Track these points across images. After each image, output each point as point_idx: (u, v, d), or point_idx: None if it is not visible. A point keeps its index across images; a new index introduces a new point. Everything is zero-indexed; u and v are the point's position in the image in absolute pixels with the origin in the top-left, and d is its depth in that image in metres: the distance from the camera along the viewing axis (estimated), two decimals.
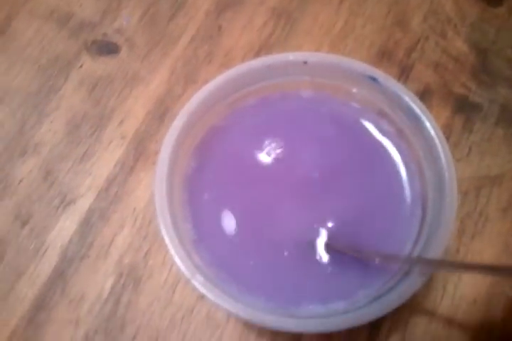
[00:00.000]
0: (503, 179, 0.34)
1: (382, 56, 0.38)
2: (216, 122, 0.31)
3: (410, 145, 0.31)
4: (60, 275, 0.32)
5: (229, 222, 0.30)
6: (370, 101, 0.32)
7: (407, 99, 0.30)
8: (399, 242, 0.30)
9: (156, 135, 0.35)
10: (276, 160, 0.31)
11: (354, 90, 0.31)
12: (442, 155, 0.29)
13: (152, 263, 0.32)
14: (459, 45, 0.38)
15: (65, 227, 0.33)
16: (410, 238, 0.30)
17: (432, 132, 0.29)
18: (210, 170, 0.30)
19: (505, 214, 0.34)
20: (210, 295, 0.26)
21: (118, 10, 0.39)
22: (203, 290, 0.26)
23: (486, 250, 0.33)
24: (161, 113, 0.36)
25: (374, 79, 0.30)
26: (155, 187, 0.27)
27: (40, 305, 0.32)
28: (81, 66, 0.37)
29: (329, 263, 0.29)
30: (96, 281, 0.32)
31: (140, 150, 0.35)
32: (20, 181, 0.34)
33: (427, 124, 0.29)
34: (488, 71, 0.37)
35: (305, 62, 0.31)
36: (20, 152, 0.35)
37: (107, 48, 0.38)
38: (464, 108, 0.36)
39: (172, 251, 0.27)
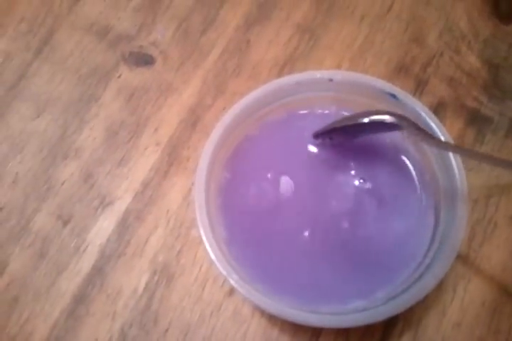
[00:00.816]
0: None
1: (400, 70, 0.38)
2: (248, 133, 0.33)
3: (425, 157, 0.33)
4: (98, 272, 0.34)
5: (257, 226, 0.31)
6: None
7: (423, 114, 0.31)
8: (413, 248, 0.31)
9: (189, 142, 0.37)
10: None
11: (375, 105, 0.33)
12: (455, 166, 0.30)
13: (184, 262, 0.34)
14: (472, 60, 0.39)
15: (104, 227, 0.35)
16: (424, 244, 0.31)
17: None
18: (242, 179, 0.32)
19: None
20: (244, 292, 0.28)
21: (153, 24, 0.40)
22: (239, 288, 0.28)
23: (494, 255, 0.34)
24: (192, 121, 0.37)
25: (394, 96, 0.32)
26: (195, 194, 0.29)
27: (80, 299, 0.33)
28: (119, 76, 0.39)
29: (349, 265, 0.31)
30: (132, 278, 0.34)
31: (173, 156, 0.36)
32: (63, 183, 0.36)
33: (442, 138, 0.30)
34: (499, 86, 0.38)
35: (330, 80, 0.32)
36: (63, 156, 0.36)
37: (143, 60, 0.39)
38: (475, 120, 0.37)
39: (211, 255, 0.28)
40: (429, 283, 0.28)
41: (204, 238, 0.28)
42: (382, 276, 0.30)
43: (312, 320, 0.28)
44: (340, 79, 0.32)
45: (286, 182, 0.32)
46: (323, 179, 0.33)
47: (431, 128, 0.31)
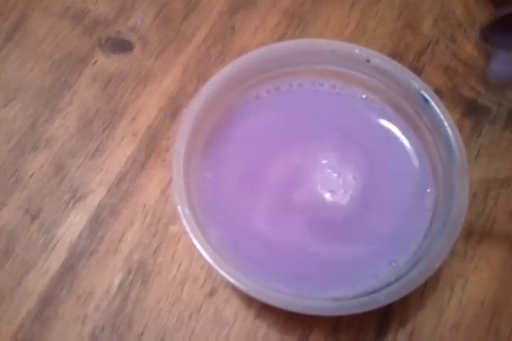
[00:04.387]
0: (511, 182, 0.33)
1: (393, 59, 0.36)
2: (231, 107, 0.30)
3: (427, 146, 0.30)
4: (68, 271, 0.31)
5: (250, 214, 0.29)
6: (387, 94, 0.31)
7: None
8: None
9: (168, 132, 0.34)
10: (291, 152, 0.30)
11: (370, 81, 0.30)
12: (457, 157, 0.28)
13: (161, 260, 0.31)
14: (469, 49, 0.37)
15: (75, 222, 0.32)
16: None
17: (450, 133, 0.28)
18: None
19: None
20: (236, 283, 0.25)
21: (132, 8, 0.37)
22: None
23: (493, 252, 0.32)
24: (173, 110, 0.35)
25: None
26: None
27: (48, 301, 0.30)
28: (94, 63, 0.36)
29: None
30: (104, 277, 0.31)
31: (151, 147, 0.34)
32: (31, 175, 0.33)
33: (446, 124, 0.28)
34: None
35: (368, 60, 0.30)
36: (32, 146, 0.34)
37: (121, 46, 0.36)
38: (473, 111, 0.35)
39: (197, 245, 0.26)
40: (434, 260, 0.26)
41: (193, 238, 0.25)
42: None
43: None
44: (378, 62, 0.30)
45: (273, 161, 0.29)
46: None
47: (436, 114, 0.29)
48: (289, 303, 0.26)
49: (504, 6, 0.37)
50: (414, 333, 0.30)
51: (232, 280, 0.25)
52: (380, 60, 0.30)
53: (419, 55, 0.36)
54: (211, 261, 0.25)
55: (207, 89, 0.29)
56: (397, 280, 0.26)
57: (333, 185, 0.30)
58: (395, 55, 0.36)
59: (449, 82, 0.36)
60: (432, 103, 0.29)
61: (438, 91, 0.35)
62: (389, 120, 0.31)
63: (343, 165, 0.30)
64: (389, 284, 0.26)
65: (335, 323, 0.30)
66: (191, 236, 0.25)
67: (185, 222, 0.26)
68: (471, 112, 0.35)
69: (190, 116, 0.28)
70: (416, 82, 0.29)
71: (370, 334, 0.30)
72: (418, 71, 0.36)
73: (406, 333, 0.30)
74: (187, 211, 0.26)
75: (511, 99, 0.35)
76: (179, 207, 0.26)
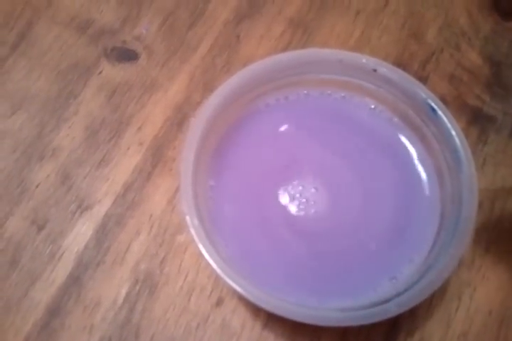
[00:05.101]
0: None
1: (398, 67, 0.36)
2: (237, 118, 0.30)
3: (434, 156, 0.30)
4: (75, 281, 0.30)
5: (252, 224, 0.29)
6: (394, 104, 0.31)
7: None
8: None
9: (174, 141, 0.33)
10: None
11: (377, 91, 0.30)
12: (466, 166, 0.27)
13: (168, 271, 0.31)
14: (473, 57, 0.36)
15: (82, 233, 0.32)
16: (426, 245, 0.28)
17: (458, 143, 0.27)
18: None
19: None
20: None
21: (138, 18, 0.37)
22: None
23: (501, 261, 0.31)
24: (179, 120, 0.34)
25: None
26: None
27: (54, 311, 0.30)
28: (100, 72, 0.36)
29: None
30: (111, 287, 0.30)
31: (158, 157, 0.33)
32: (38, 186, 0.33)
33: (453, 133, 0.28)
34: (501, 83, 0.36)
35: (375, 70, 0.29)
36: (39, 156, 0.33)
37: (126, 55, 0.36)
38: (478, 120, 0.35)
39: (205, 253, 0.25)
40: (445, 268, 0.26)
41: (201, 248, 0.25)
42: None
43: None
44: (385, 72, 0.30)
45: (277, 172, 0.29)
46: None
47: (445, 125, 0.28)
48: (295, 313, 0.25)
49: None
50: None
51: (239, 289, 0.25)
52: (386, 69, 0.29)
53: (424, 63, 0.36)
54: (220, 271, 0.25)
55: (215, 99, 0.28)
56: (406, 290, 0.26)
57: (338, 196, 0.29)
58: (400, 64, 0.36)
59: (454, 90, 0.35)
60: (440, 112, 0.28)
61: (443, 100, 0.34)
62: (397, 130, 0.31)
63: (351, 174, 0.30)
64: (398, 294, 0.26)
65: (342, 333, 0.30)
66: (200, 246, 0.25)
67: (193, 232, 0.25)
68: (476, 121, 0.34)
69: (199, 124, 0.28)
70: (423, 92, 0.29)
71: None
72: (423, 80, 0.35)
73: None
74: (195, 221, 0.26)
75: None
76: (188, 217, 0.25)
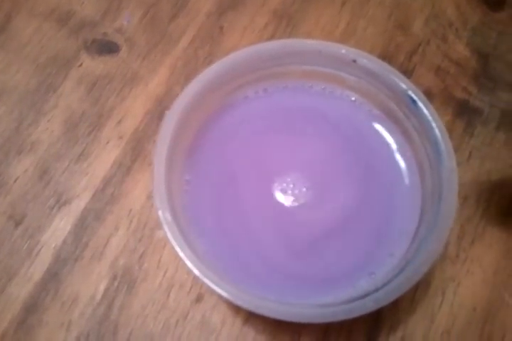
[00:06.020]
0: (504, 184, 0.32)
1: (383, 59, 0.34)
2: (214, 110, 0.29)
3: (415, 148, 0.29)
4: (53, 277, 0.30)
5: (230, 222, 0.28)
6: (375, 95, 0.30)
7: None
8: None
9: (154, 135, 0.33)
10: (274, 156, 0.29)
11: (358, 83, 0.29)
12: (446, 159, 0.26)
13: (147, 266, 0.30)
14: (461, 49, 0.36)
15: (60, 228, 0.31)
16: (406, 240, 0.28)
17: (438, 135, 0.26)
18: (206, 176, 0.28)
19: (505, 220, 0.31)
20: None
21: (119, 9, 0.36)
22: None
23: (486, 256, 0.30)
24: (159, 113, 0.33)
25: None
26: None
27: (32, 308, 0.29)
28: (80, 65, 0.35)
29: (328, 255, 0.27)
30: (89, 283, 0.30)
31: (138, 151, 0.33)
32: (16, 180, 0.32)
33: (434, 125, 0.27)
34: (489, 75, 0.35)
35: (354, 61, 0.29)
36: (17, 150, 0.33)
37: (107, 47, 0.35)
38: (464, 112, 0.34)
39: (181, 254, 0.24)
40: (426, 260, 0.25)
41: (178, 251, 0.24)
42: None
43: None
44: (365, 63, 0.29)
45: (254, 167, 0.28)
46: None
47: (425, 117, 0.28)
48: (275, 311, 0.25)
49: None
50: (405, 338, 0.29)
51: (216, 288, 0.24)
52: (367, 60, 0.29)
53: (410, 55, 0.35)
54: (191, 265, 0.24)
55: (191, 89, 0.28)
56: (384, 285, 0.25)
57: (317, 190, 0.29)
58: (386, 56, 0.35)
59: (441, 82, 0.35)
60: (420, 104, 0.27)
61: (429, 92, 0.34)
62: (378, 122, 0.30)
63: (330, 167, 0.29)
64: (376, 290, 0.25)
65: (324, 329, 0.29)
66: (174, 244, 0.24)
67: (166, 227, 0.25)
68: (463, 113, 0.34)
69: (173, 116, 0.27)
70: (403, 83, 0.28)
71: (360, 339, 0.29)
72: (409, 72, 0.35)
73: (397, 338, 0.29)
74: (168, 215, 0.25)
75: (504, 100, 0.34)
76: (160, 212, 0.25)
